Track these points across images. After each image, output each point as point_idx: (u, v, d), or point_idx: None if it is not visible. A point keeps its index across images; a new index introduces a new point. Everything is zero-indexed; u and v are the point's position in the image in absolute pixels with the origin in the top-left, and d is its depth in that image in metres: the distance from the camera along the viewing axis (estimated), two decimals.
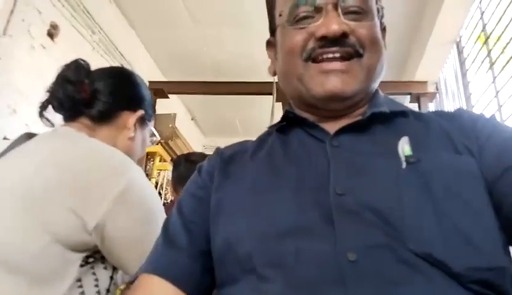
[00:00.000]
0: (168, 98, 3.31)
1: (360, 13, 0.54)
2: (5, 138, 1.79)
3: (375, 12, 0.57)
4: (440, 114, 0.57)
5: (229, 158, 0.62)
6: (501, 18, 1.94)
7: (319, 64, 0.53)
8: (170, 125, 3.23)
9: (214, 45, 3.14)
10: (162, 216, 0.77)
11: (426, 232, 0.43)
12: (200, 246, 0.54)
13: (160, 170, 3.18)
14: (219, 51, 3.20)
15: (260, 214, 0.50)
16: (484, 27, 2.18)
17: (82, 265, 0.71)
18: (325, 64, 0.53)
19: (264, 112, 3.63)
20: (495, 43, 2.02)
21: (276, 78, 2.60)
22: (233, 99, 3.55)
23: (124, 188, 0.70)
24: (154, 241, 0.67)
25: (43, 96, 0.86)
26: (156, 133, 1.00)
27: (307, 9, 0.55)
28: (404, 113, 0.56)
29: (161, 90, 3.21)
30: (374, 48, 0.55)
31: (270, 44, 0.66)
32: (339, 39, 0.52)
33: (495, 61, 2.01)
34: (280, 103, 3.04)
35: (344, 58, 0.53)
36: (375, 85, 0.59)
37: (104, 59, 2.64)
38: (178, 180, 1.78)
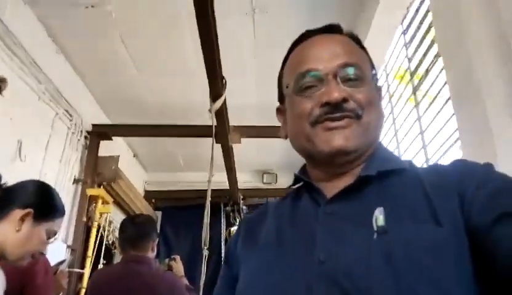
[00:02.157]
0: (111, 140, 3.43)
1: (357, 80, 0.62)
2: None
3: (370, 78, 0.64)
4: (432, 171, 0.59)
5: (252, 223, 0.71)
6: (428, 68, 2.38)
7: (324, 123, 0.60)
8: (113, 167, 3.32)
9: (157, 90, 3.33)
10: None
11: None
12: None
13: (102, 213, 3.24)
14: (162, 97, 3.40)
15: (258, 276, 0.58)
16: (411, 72, 2.63)
17: None
18: (329, 123, 0.60)
19: (206, 149, 3.85)
20: (419, 81, 2.45)
21: (215, 122, 2.86)
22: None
23: None
24: None
25: None
26: (52, 233, 1.22)
27: (311, 80, 0.62)
28: (393, 172, 0.59)
29: (105, 132, 3.34)
30: (371, 108, 0.61)
31: (279, 111, 0.73)
32: (340, 104, 0.59)
33: (420, 101, 2.43)
34: (219, 144, 3.30)
35: (346, 117, 0.60)
36: (375, 140, 0.65)
37: (50, 106, 2.73)
38: (126, 242, 2.01)
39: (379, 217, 0.52)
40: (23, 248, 1.10)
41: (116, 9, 2.49)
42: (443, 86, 1.77)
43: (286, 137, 0.70)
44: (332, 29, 0.69)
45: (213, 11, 1.97)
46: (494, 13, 1.46)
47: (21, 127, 2.42)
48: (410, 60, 2.21)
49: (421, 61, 2.05)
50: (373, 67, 0.68)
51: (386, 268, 0.47)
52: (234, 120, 3.19)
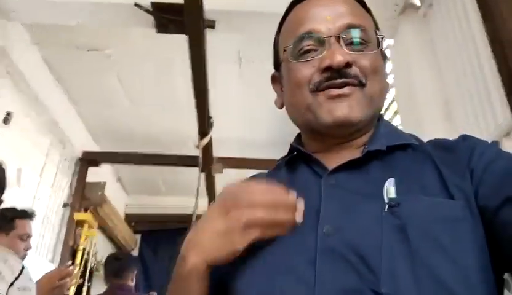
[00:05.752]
0: (99, 166, 3.62)
1: (362, 43, 0.56)
2: None
3: (375, 43, 0.58)
4: (439, 146, 0.56)
5: None
6: None
7: (325, 91, 0.55)
8: (100, 193, 3.50)
9: (146, 121, 3.57)
10: None
11: (400, 277, 0.44)
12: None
13: (87, 236, 3.40)
14: (150, 127, 3.64)
15: (258, 251, 0.52)
16: None
17: None
18: (332, 90, 0.54)
19: (186, 175, 4.08)
20: None
21: (200, 153, 3.14)
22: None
23: None
24: None
25: None
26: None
27: (310, 42, 0.56)
28: (402, 146, 0.56)
29: (94, 159, 3.54)
30: (375, 77, 0.56)
31: (275, 79, 0.67)
32: (343, 69, 0.54)
33: None
34: (203, 173, 3.55)
35: (349, 84, 0.55)
36: (378, 112, 0.60)
37: (47, 136, 2.92)
38: (111, 273, 2.54)
39: (390, 189, 0.50)
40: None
41: (114, 53, 2.76)
42: None
43: (281, 107, 0.66)
44: None
45: (205, 61, 2.26)
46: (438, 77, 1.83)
47: (22, 156, 2.61)
48: None
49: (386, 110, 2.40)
50: (378, 31, 0.62)
51: (399, 243, 0.45)
52: (218, 152, 3.46)
